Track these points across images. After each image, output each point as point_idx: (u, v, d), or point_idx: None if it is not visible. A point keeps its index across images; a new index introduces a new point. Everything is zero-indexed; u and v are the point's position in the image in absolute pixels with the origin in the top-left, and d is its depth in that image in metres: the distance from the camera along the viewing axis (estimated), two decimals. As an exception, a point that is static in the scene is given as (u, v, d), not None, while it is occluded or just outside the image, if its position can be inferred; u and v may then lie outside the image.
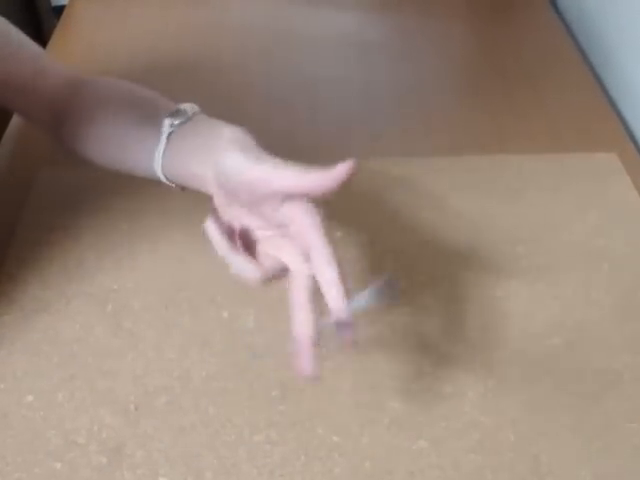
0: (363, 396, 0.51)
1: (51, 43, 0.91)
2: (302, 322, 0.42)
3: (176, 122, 0.49)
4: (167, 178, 0.51)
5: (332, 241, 0.43)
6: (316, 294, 0.42)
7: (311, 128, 0.76)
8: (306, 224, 0.43)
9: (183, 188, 0.52)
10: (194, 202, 0.65)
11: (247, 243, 0.46)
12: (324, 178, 0.42)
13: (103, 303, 0.58)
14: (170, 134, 0.49)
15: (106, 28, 0.93)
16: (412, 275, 0.60)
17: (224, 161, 0.44)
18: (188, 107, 0.50)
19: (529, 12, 0.95)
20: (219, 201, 0.47)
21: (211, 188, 0.47)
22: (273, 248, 0.46)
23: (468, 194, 0.67)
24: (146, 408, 0.51)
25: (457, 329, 0.56)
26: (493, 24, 0.93)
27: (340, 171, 0.41)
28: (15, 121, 0.77)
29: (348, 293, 0.41)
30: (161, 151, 0.49)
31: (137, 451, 0.48)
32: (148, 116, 0.51)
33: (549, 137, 0.74)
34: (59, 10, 0.98)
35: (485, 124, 0.76)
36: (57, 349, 0.54)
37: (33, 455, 0.48)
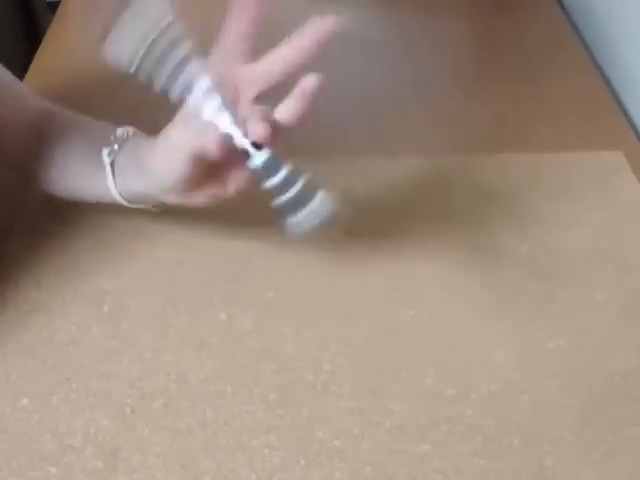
0: (364, 399, 0.51)
1: (46, 40, 0.90)
2: None
3: (115, 147, 0.52)
4: (130, 203, 0.53)
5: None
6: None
7: (309, 127, 0.76)
8: None
9: (154, 205, 0.54)
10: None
11: None
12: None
13: (99, 304, 0.58)
14: (112, 163, 0.52)
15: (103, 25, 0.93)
16: (412, 276, 0.60)
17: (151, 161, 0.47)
18: (120, 131, 0.53)
19: (533, 8, 0.95)
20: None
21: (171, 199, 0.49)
22: None
23: (470, 194, 0.67)
24: (143, 411, 0.51)
25: (458, 330, 0.56)
26: (496, 20, 0.93)
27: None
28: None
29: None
30: (111, 181, 0.52)
31: (133, 455, 0.48)
32: (92, 150, 0.54)
33: (553, 135, 0.74)
34: (54, 6, 0.98)
35: (487, 122, 0.76)
36: (52, 351, 0.54)
37: (28, 459, 0.48)
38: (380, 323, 0.56)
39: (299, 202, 0.41)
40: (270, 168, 0.42)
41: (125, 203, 0.54)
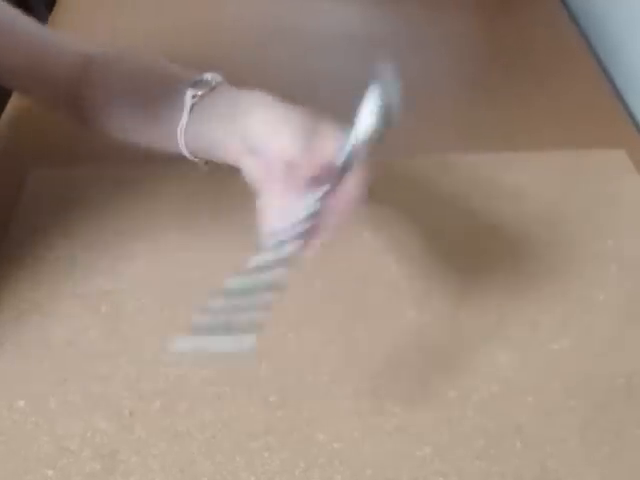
0: (364, 401, 0.51)
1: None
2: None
3: (199, 93, 0.48)
4: (190, 152, 0.50)
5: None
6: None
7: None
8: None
9: (207, 162, 0.51)
10: (191, 202, 0.66)
11: None
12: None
13: (97, 305, 0.57)
14: (193, 106, 0.48)
15: (98, 22, 0.93)
16: (416, 278, 0.59)
17: (251, 126, 0.44)
18: (210, 77, 0.49)
19: (537, 6, 0.95)
20: (253, 174, 0.45)
21: (238, 157, 0.46)
22: None
23: (473, 192, 0.67)
24: (141, 413, 0.51)
25: (460, 332, 0.56)
26: (500, 18, 0.93)
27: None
28: (5, 120, 0.77)
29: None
30: (184, 124, 0.49)
31: (131, 457, 0.48)
32: (170, 90, 0.51)
33: (556, 134, 0.74)
34: (51, 3, 0.97)
35: (491, 120, 0.76)
36: (49, 352, 0.54)
37: (24, 462, 0.48)
38: (381, 324, 0.56)
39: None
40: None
41: (185, 152, 0.50)
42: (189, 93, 0.48)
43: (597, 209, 0.65)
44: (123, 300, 0.58)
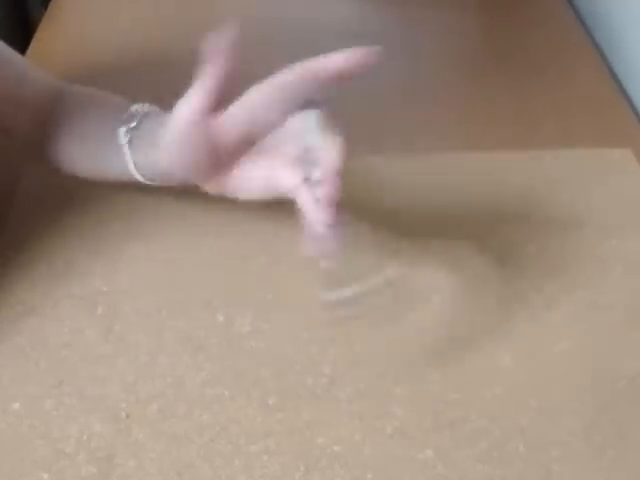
0: (365, 404, 0.51)
1: (38, 33, 0.90)
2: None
3: (131, 126, 0.51)
4: (151, 181, 0.52)
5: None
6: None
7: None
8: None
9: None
10: (189, 201, 0.65)
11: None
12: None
13: (93, 306, 0.57)
14: (130, 141, 0.51)
15: (95, 18, 0.93)
16: (414, 277, 0.59)
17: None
18: (137, 108, 0.52)
19: (540, 4, 0.95)
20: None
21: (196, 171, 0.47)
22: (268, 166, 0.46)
23: (474, 192, 0.67)
24: (138, 416, 0.51)
25: (462, 333, 0.56)
26: (502, 16, 0.93)
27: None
28: None
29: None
30: (130, 161, 0.51)
31: (128, 461, 0.48)
32: (107, 128, 0.53)
33: (559, 132, 0.74)
34: (47, -1, 0.98)
35: (492, 119, 0.76)
36: (44, 354, 0.54)
37: (19, 465, 0.48)
38: (382, 325, 0.56)
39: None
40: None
41: (145, 181, 0.52)
42: (121, 131, 0.51)
43: (602, 209, 0.65)
44: (120, 301, 0.58)
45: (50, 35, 0.90)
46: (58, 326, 0.56)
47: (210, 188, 0.49)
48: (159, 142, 0.47)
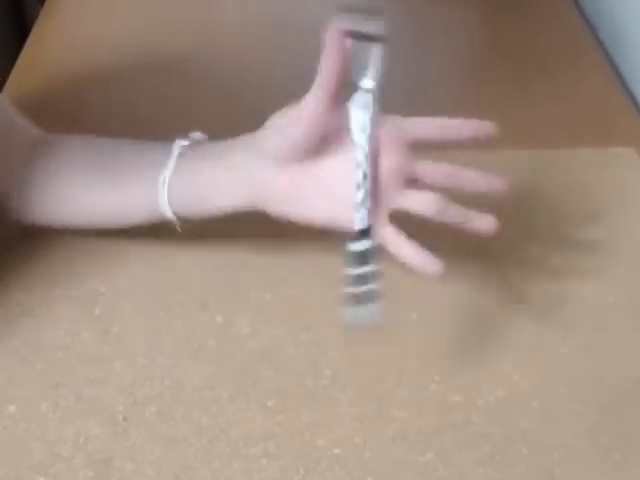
0: (366, 406, 0.51)
1: (34, 31, 0.90)
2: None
3: (186, 143, 0.51)
4: (173, 207, 0.52)
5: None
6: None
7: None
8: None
9: (185, 220, 0.54)
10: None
11: None
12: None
13: (90, 307, 0.57)
14: (180, 155, 0.51)
15: (92, 16, 0.93)
16: (415, 277, 0.59)
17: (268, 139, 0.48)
18: (196, 135, 0.53)
19: (546, 3, 0.95)
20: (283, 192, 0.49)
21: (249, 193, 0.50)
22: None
23: (475, 193, 0.67)
24: (135, 418, 0.51)
25: (465, 335, 0.56)
26: (508, 16, 0.93)
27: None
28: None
29: None
30: (167, 176, 0.51)
31: (126, 464, 0.48)
32: (142, 152, 0.54)
33: (563, 131, 0.74)
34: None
35: (495, 117, 0.76)
36: (41, 355, 0.54)
37: (15, 468, 0.48)
38: (382, 327, 0.56)
39: (364, 299, 0.48)
40: (362, 257, 0.48)
41: (168, 211, 0.52)
42: (177, 143, 0.51)
43: (606, 208, 0.65)
44: (118, 302, 0.58)
45: (46, 33, 0.90)
46: (55, 327, 0.56)
47: (275, 209, 0.50)
48: (255, 152, 0.49)
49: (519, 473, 0.48)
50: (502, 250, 0.62)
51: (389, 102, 0.79)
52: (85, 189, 0.56)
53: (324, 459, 0.48)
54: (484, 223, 0.48)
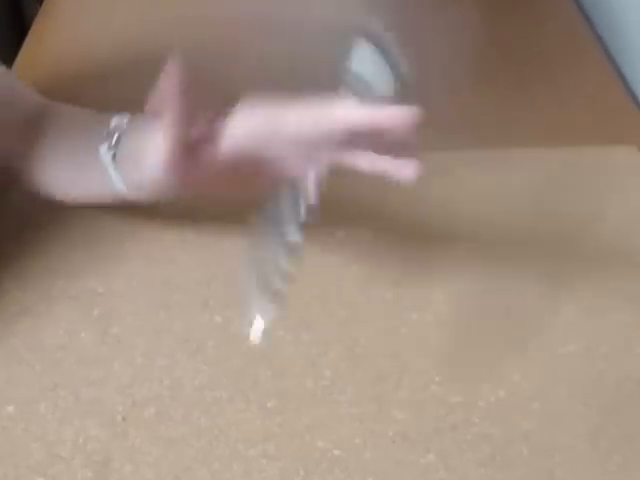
0: (366, 407, 0.51)
1: (33, 29, 0.90)
2: None
3: (112, 143, 0.51)
4: (139, 196, 0.52)
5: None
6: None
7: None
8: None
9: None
10: (187, 201, 0.65)
11: None
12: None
13: (89, 307, 0.57)
14: (113, 156, 0.51)
15: (90, 14, 0.93)
16: (417, 277, 0.59)
17: None
18: (116, 123, 0.52)
19: (546, 1, 0.95)
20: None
21: None
22: None
23: (476, 192, 0.67)
24: (134, 419, 0.51)
25: (466, 335, 0.56)
26: (508, 14, 0.93)
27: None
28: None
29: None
30: (117, 179, 0.51)
31: (125, 465, 0.48)
32: (93, 147, 0.53)
33: (564, 129, 0.74)
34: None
35: (496, 116, 0.76)
36: (39, 356, 0.54)
37: (14, 469, 0.48)
38: (383, 327, 0.56)
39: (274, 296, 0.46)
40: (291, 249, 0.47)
41: (133, 197, 0.53)
42: (102, 149, 0.51)
43: (609, 208, 0.65)
44: (116, 302, 0.58)
45: (45, 32, 0.90)
46: (53, 328, 0.56)
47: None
48: (142, 163, 0.48)
49: (520, 474, 0.48)
50: (503, 250, 0.62)
51: (392, 98, 0.79)
52: (60, 170, 0.57)
53: (324, 460, 0.48)
54: (408, 169, 0.47)
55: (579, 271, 0.60)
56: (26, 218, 0.64)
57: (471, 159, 0.70)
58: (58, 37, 0.89)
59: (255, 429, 0.50)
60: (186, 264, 0.61)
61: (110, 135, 0.52)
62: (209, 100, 0.49)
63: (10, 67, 0.81)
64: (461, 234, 0.63)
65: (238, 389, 0.52)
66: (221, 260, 0.61)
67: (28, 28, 0.91)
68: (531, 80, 0.81)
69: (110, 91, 0.77)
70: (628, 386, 0.52)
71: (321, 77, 0.81)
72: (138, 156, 0.50)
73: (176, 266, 0.61)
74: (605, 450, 0.49)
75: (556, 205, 0.66)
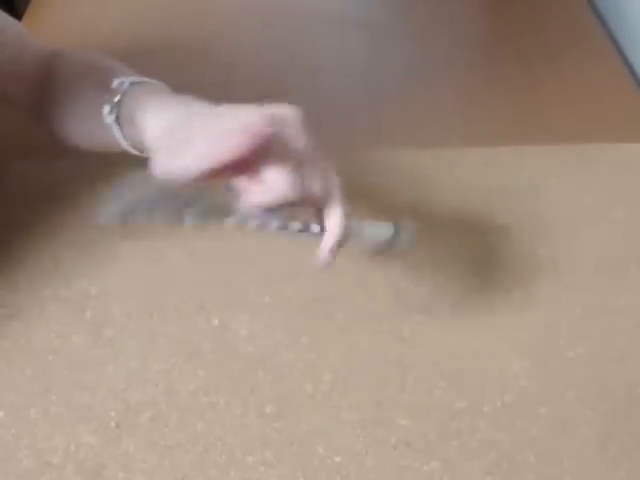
0: (367, 412, 0.51)
1: (24, 21, 0.90)
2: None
3: (114, 102, 0.50)
4: (132, 144, 0.51)
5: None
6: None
7: (309, 114, 0.76)
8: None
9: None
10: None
11: None
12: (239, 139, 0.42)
13: (81, 309, 0.57)
14: (116, 118, 0.51)
15: (83, 6, 0.93)
16: (419, 279, 0.59)
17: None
18: (118, 83, 0.52)
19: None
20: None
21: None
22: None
23: (482, 189, 0.67)
24: (128, 425, 0.50)
25: (469, 339, 0.55)
26: (514, 3, 0.93)
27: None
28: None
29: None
30: (120, 136, 0.51)
31: (118, 472, 0.48)
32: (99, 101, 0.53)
33: (572, 126, 0.74)
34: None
35: (502, 112, 0.76)
36: (30, 360, 0.54)
37: (3, 477, 0.48)
38: (385, 329, 0.56)
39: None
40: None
41: (138, 153, 0.52)
42: (105, 109, 0.51)
43: (616, 205, 0.65)
44: (109, 304, 0.58)
45: (36, 23, 0.90)
46: (45, 331, 0.56)
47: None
48: (142, 129, 0.48)
49: (527, 482, 0.47)
50: (509, 251, 0.61)
51: (394, 92, 0.79)
52: (71, 124, 0.57)
53: (324, 467, 0.48)
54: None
55: (586, 272, 0.60)
56: (15, 219, 0.64)
57: (476, 154, 0.70)
58: (50, 28, 0.90)
59: (253, 435, 0.50)
60: (181, 265, 0.61)
61: (112, 96, 0.51)
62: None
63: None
64: (466, 233, 0.63)
65: (235, 394, 0.52)
66: (218, 261, 0.61)
67: (20, 20, 0.91)
68: (541, 77, 0.81)
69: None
70: (637, 391, 0.52)
71: (320, 69, 0.81)
72: (137, 121, 0.49)
73: (171, 267, 0.60)
74: (614, 456, 0.49)
75: (565, 203, 0.65)
